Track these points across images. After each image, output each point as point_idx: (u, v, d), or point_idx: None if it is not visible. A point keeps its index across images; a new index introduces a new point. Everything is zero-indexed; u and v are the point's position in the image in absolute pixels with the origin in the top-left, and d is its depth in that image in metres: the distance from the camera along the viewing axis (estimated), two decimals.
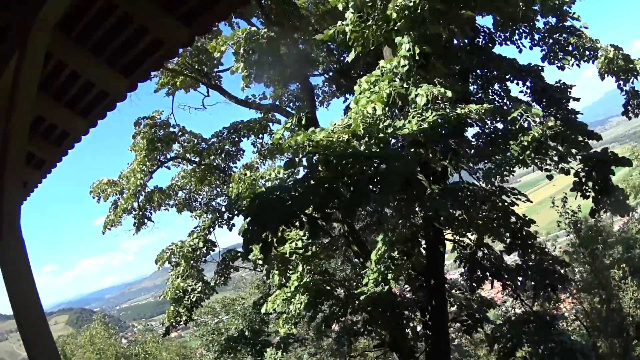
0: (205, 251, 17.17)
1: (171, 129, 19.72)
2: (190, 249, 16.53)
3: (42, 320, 4.65)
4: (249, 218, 9.54)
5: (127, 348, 34.04)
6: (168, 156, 20.40)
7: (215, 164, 21.29)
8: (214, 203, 22.49)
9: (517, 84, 15.01)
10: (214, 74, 20.01)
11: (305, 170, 10.54)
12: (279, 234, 9.66)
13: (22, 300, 4.53)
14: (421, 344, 16.52)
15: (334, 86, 20.47)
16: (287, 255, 13.71)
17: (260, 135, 21.46)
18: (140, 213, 20.27)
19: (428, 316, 15.21)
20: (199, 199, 22.99)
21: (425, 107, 10.53)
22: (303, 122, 14.99)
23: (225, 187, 22.39)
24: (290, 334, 17.75)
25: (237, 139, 21.06)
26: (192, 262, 16.94)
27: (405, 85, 10.98)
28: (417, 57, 11.01)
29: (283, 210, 9.26)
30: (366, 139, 10.26)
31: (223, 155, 21.12)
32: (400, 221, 12.93)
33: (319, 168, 9.85)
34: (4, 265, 4.56)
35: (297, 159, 10.58)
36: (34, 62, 4.38)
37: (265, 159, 21.79)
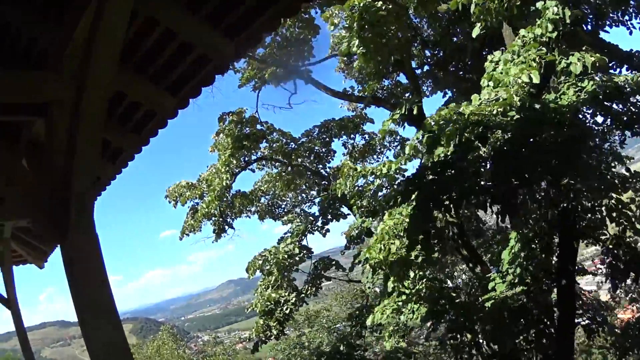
0: (298, 259, 15.58)
1: (258, 127, 18.04)
2: (285, 256, 14.86)
3: (116, 324, 4.25)
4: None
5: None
6: (253, 157, 18.81)
7: (302, 166, 19.59)
8: (298, 210, 20.87)
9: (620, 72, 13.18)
10: (303, 68, 18.34)
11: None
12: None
13: (93, 303, 4.14)
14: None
15: (430, 81, 18.53)
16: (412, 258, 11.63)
17: (352, 136, 19.80)
18: (221, 219, 18.85)
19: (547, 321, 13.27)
20: (283, 205, 21.43)
21: (582, 76, 9.61)
22: (415, 111, 13.52)
23: (311, 192, 20.84)
24: (398, 349, 15.88)
25: (327, 139, 19.36)
26: (284, 270, 15.32)
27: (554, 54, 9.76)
28: (567, 21, 9.65)
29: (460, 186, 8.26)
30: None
31: (312, 157, 19.40)
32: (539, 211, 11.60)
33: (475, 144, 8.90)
34: (72, 264, 4.17)
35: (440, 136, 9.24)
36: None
37: (356, 161, 20.02)
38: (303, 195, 21.27)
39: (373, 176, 13.04)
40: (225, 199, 17.74)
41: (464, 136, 9.08)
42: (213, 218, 18.42)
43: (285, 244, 15.46)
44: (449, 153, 9.49)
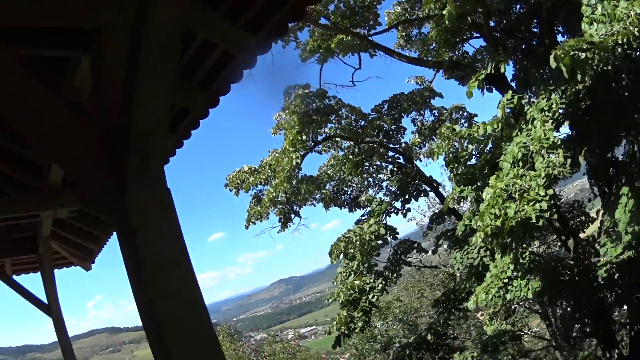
0: (381, 241, 14.15)
1: (326, 102, 16.54)
2: (372, 237, 13.39)
3: (203, 318, 3.10)
4: None
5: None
6: (319, 138, 17.35)
7: (372, 145, 18.05)
8: (363, 197, 19.40)
9: None
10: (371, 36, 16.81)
11: None
12: None
13: (167, 288, 2.99)
14: None
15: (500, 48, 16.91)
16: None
17: (422, 111, 18.29)
18: (287, 206, 17.53)
19: None
20: (349, 192, 19.95)
21: None
22: (501, 70, 12.79)
23: (379, 175, 19.37)
24: (503, 332, 14.31)
25: (397, 116, 17.84)
26: (367, 255, 13.88)
27: None
28: None
29: None
30: None
31: (381, 136, 17.87)
32: None
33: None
34: (133, 234, 2.96)
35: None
36: None
37: (426, 139, 18.53)
38: (370, 179, 19.76)
39: (466, 141, 11.94)
40: (291, 184, 16.31)
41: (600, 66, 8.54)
42: (279, 206, 17.16)
43: (369, 225, 13.99)
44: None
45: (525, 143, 10.91)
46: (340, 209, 19.59)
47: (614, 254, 10.87)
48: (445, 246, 17.48)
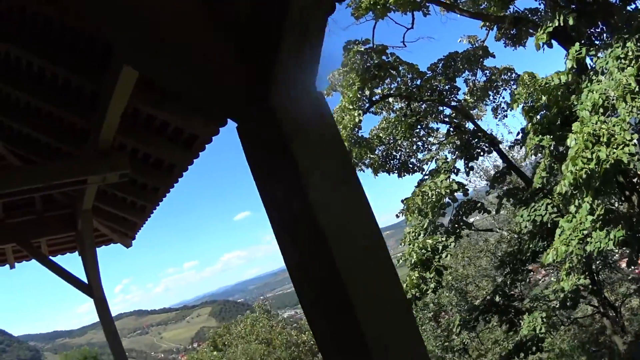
0: (450, 199, 13.65)
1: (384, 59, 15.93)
2: (448, 191, 12.91)
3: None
4: None
5: (298, 334, 30.56)
6: (375, 98, 16.73)
7: (428, 104, 17.48)
8: (413, 160, 18.81)
9: None
10: None
11: None
12: None
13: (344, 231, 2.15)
14: None
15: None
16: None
17: (475, 70, 17.68)
18: None
19: None
20: (398, 156, 19.35)
21: None
22: (570, 22, 12.19)
23: (429, 138, 18.80)
24: (580, 286, 13.85)
25: (451, 75, 17.23)
26: (437, 213, 13.44)
27: None
28: None
29: None
30: None
31: (435, 95, 17.27)
32: None
33: None
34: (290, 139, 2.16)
35: None
36: None
37: (477, 99, 17.98)
38: (419, 143, 19.16)
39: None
40: (351, 143, 15.69)
41: None
42: None
43: (440, 179, 13.48)
44: None
45: (605, 90, 10.87)
46: (389, 174, 19.04)
47: None
48: (508, 205, 16.99)
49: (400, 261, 14.26)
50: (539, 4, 15.53)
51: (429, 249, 13.21)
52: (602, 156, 9.89)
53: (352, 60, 15.41)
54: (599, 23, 14.04)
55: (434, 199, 13.19)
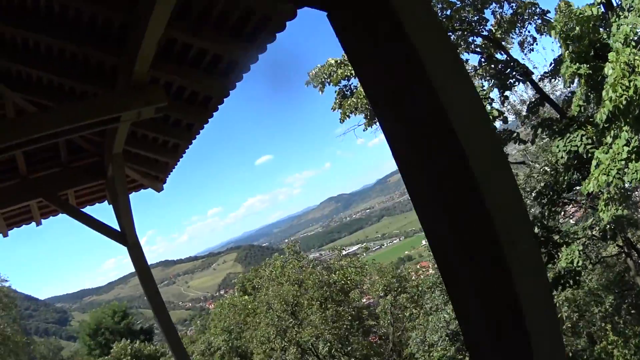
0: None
1: None
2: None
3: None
4: None
5: (328, 274, 30.43)
6: None
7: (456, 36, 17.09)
8: None
9: None
10: None
11: None
12: None
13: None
14: None
15: None
16: None
17: (503, 2, 17.29)
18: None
19: None
20: None
21: None
22: None
23: None
24: (621, 217, 13.74)
25: (479, 6, 16.79)
26: None
27: None
28: None
29: None
30: None
31: (464, 26, 16.87)
32: None
33: None
34: None
35: None
36: None
37: (505, 33, 17.54)
38: None
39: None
40: None
41: None
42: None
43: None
44: None
45: (634, 24, 11.20)
46: None
47: None
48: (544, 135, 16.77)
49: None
50: None
51: None
52: (639, 85, 10.03)
53: None
54: None
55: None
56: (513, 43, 18.88)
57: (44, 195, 8.60)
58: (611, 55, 10.67)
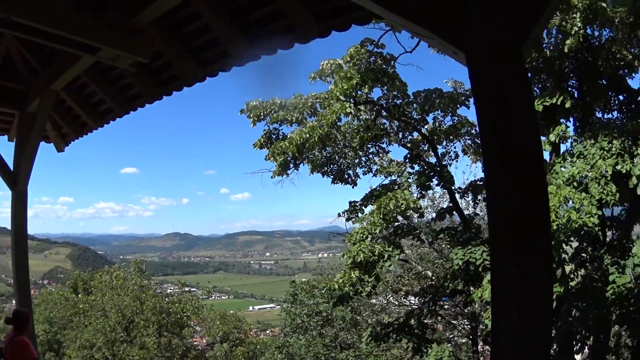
0: (407, 216, 14.05)
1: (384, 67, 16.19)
2: (414, 205, 13.37)
3: None
4: None
5: (169, 303, 29.60)
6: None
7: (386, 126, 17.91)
8: (350, 172, 19.24)
9: None
10: None
11: None
12: None
13: None
14: None
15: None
16: None
17: (447, 113, 18.43)
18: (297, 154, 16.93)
19: None
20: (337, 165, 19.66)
21: None
22: (567, 105, 13.64)
23: (375, 157, 19.29)
24: None
25: (427, 108, 17.76)
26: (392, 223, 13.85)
27: None
28: None
29: None
30: None
31: (406, 119, 17.79)
32: None
33: None
34: None
35: None
36: None
37: (435, 139, 18.62)
38: (363, 159, 19.50)
39: None
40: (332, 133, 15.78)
41: None
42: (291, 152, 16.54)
43: (407, 193, 13.92)
44: None
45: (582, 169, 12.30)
46: (323, 177, 19.16)
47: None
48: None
49: (345, 256, 14.52)
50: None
51: (377, 254, 13.54)
52: (573, 217, 11.27)
53: (360, 55, 15.55)
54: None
55: (403, 208, 13.57)
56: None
57: None
58: (551, 188, 11.75)
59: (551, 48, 13.68)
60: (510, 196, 2.76)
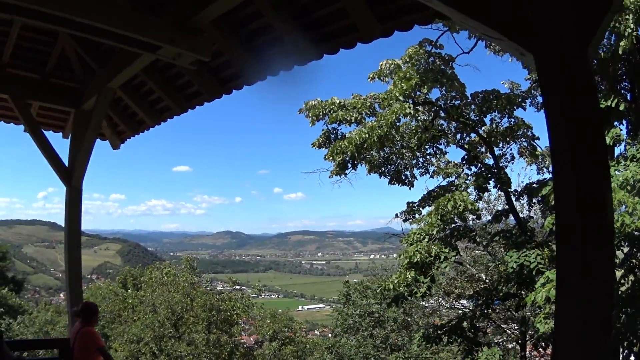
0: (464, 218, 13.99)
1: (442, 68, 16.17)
2: (472, 207, 13.29)
3: None
4: None
5: (219, 301, 29.83)
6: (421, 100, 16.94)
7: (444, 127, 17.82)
8: (407, 173, 19.16)
9: None
10: None
11: None
12: None
13: None
14: None
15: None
16: None
17: (506, 113, 18.21)
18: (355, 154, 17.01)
19: None
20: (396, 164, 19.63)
21: None
22: (621, 108, 12.96)
23: (432, 158, 19.18)
24: None
25: (484, 109, 17.59)
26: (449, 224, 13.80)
27: None
28: None
29: None
30: None
31: (464, 120, 17.69)
32: None
33: None
34: None
35: None
36: None
37: (493, 141, 18.40)
38: (420, 160, 19.45)
39: None
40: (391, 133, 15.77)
41: None
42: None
43: (466, 195, 13.86)
44: None
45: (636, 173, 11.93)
46: (380, 177, 19.17)
47: None
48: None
49: (401, 257, 14.51)
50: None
51: (432, 255, 13.51)
52: (626, 221, 10.97)
53: (419, 56, 15.56)
54: None
55: (460, 209, 13.53)
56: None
57: (12, 95, 8.03)
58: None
59: (605, 50, 13.44)
60: (577, 195, 2.84)
